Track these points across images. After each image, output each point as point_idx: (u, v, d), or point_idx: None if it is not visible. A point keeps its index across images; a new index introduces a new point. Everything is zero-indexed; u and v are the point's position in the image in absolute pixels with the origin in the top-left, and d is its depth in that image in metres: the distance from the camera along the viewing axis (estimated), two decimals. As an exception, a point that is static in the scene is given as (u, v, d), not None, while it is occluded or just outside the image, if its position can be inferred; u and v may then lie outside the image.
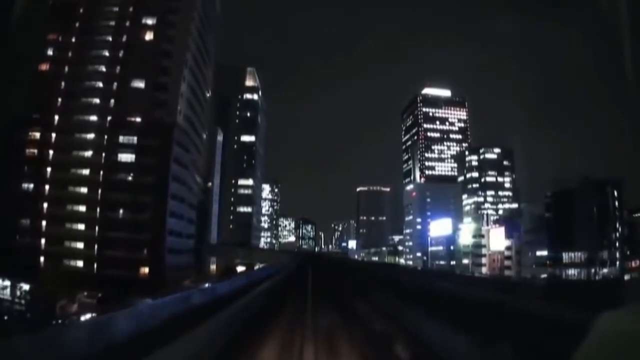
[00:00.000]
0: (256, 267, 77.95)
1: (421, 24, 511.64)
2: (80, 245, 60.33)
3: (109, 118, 62.21)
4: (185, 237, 71.22)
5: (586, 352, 1.52)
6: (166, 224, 60.78)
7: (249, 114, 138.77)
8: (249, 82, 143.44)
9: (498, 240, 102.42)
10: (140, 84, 62.86)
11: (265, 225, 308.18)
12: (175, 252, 63.62)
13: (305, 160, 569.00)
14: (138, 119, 61.50)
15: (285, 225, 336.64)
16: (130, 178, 59.53)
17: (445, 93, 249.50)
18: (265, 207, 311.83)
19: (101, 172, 60.36)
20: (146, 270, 57.32)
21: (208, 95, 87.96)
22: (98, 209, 58.93)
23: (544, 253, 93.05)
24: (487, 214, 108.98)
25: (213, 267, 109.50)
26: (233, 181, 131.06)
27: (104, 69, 63.93)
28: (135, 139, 60.94)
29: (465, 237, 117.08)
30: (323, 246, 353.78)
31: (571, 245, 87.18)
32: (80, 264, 59.42)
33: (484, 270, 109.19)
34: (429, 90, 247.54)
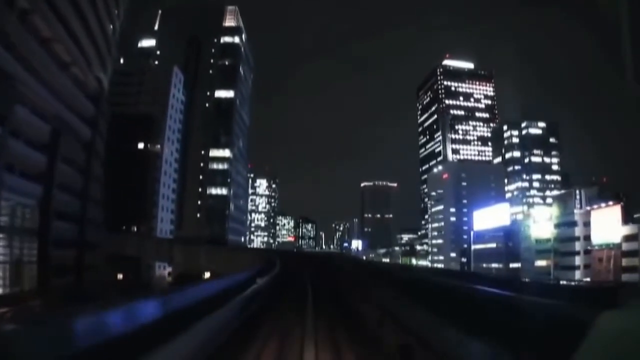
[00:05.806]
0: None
1: (424, 14, 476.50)
2: None
3: None
4: None
5: (587, 351, 1.47)
6: None
7: (227, 62, 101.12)
8: (229, 23, 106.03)
9: (608, 227, 64.70)
10: None
11: (262, 224, 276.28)
12: None
13: (306, 159, 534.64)
14: None
15: (284, 224, 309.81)
16: None
17: (469, 65, 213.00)
18: (262, 203, 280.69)
19: None
20: None
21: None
22: None
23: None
24: (580, 192, 71.69)
25: (165, 272, 72.87)
26: (203, 152, 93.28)
27: None
28: None
29: (541, 228, 79.35)
30: (324, 246, 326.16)
31: None
32: None
33: (577, 274, 71.85)
34: (450, 62, 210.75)
